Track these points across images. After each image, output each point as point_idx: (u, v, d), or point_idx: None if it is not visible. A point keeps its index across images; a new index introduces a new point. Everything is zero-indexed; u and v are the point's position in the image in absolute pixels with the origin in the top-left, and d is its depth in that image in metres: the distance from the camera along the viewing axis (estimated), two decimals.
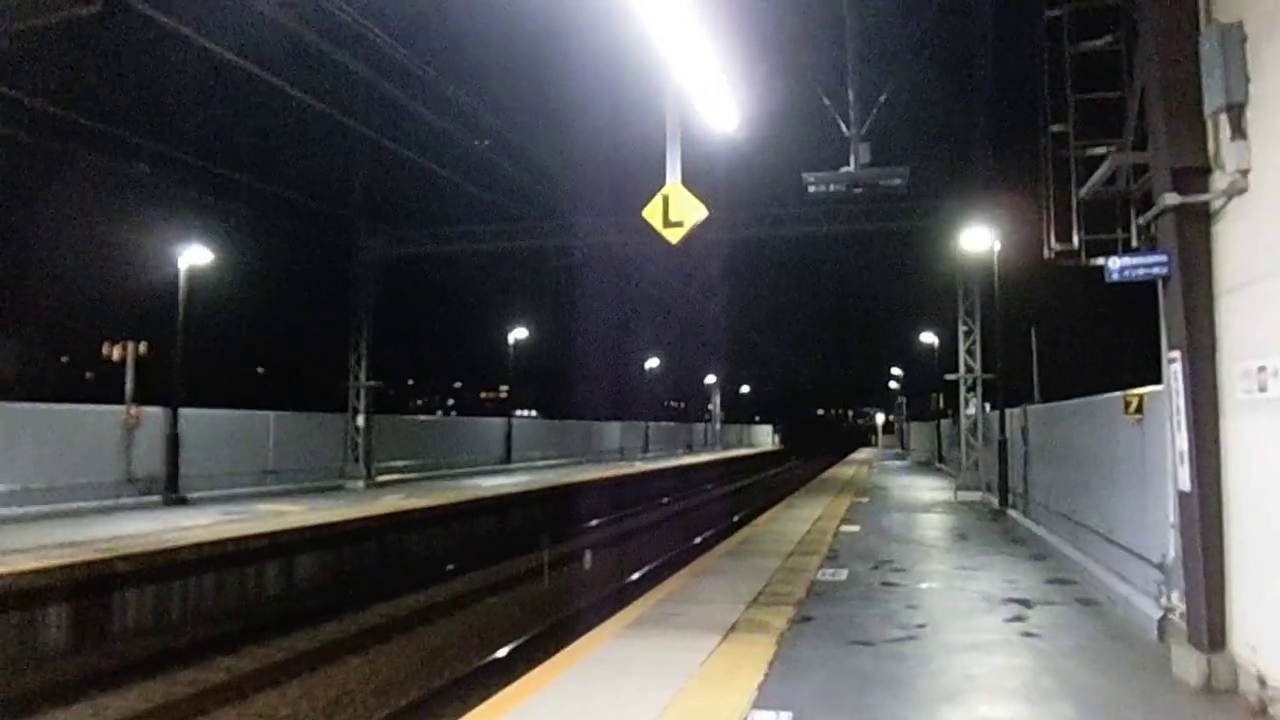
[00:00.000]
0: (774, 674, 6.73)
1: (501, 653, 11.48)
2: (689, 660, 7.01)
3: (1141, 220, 7.41)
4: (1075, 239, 8.62)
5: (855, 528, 16.17)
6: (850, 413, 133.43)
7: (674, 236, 7.34)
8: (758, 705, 5.97)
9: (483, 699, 6.46)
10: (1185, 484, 6.67)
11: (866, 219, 21.94)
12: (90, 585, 11.68)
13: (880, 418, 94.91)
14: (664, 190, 7.38)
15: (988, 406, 23.14)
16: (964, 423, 23.48)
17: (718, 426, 70.73)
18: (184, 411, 19.20)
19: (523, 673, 7.20)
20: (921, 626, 8.41)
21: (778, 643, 7.64)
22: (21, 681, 10.16)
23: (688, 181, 7.75)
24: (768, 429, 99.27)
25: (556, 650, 7.65)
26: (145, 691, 10.05)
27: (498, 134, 18.48)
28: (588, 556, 17.88)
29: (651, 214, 7.37)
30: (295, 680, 10.57)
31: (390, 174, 23.49)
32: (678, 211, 7.28)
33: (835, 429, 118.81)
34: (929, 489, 25.91)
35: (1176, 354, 6.71)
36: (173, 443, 18.70)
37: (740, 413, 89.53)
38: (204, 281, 21.94)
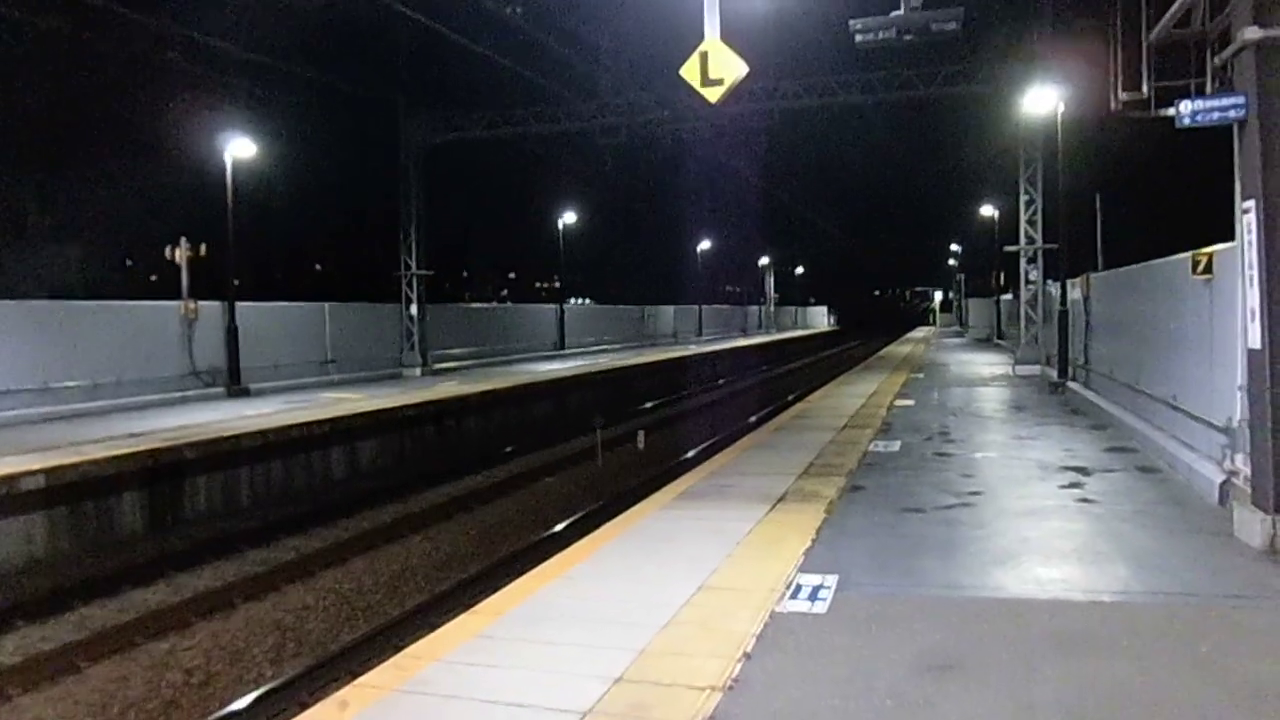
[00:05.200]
0: (821, 540, 6.72)
1: (558, 527, 11.71)
2: (736, 528, 7.03)
3: (1218, 60, 6.89)
4: (1144, 87, 8.09)
5: (909, 402, 16.01)
6: (907, 292, 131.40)
7: (714, 95, 7.00)
8: (804, 569, 5.97)
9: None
10: (1255, 341, 6.37)
11: (921, 84, 20.95)
12: (161, 472, 12.09)
13: (938, 296, 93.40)
14: (702, 46, 7.01)
15: (1049, 283, 22.46)
16: (1024, 295, 22.86)
17: (772, 309, 70.20)
18: (241, 305, 19.48)
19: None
20: (975, 494, 8.32)
21: (827, 511, 7.62)
22: (103, 563, 10.64)
23: (728, 40, 7.37)
24: (823, 310, 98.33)
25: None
26: (218, 570, 10.47)
27: (530, 2, 17.79)
28: (641, 437, 18.04)
29: (689, 72, 7.02)
30: (360, 557, 10.92)
31: (431, 55, 22.98)
32: (717, 68, 6.92)
33: (892, 309, 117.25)
34: (986, 364, 25.55)
35: (1251, 203, 6.32)
36: (232, 335, 19.05)
37: (795, 294, 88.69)
38: (259, 181, 21.98)
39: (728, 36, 7.46)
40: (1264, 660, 4.46)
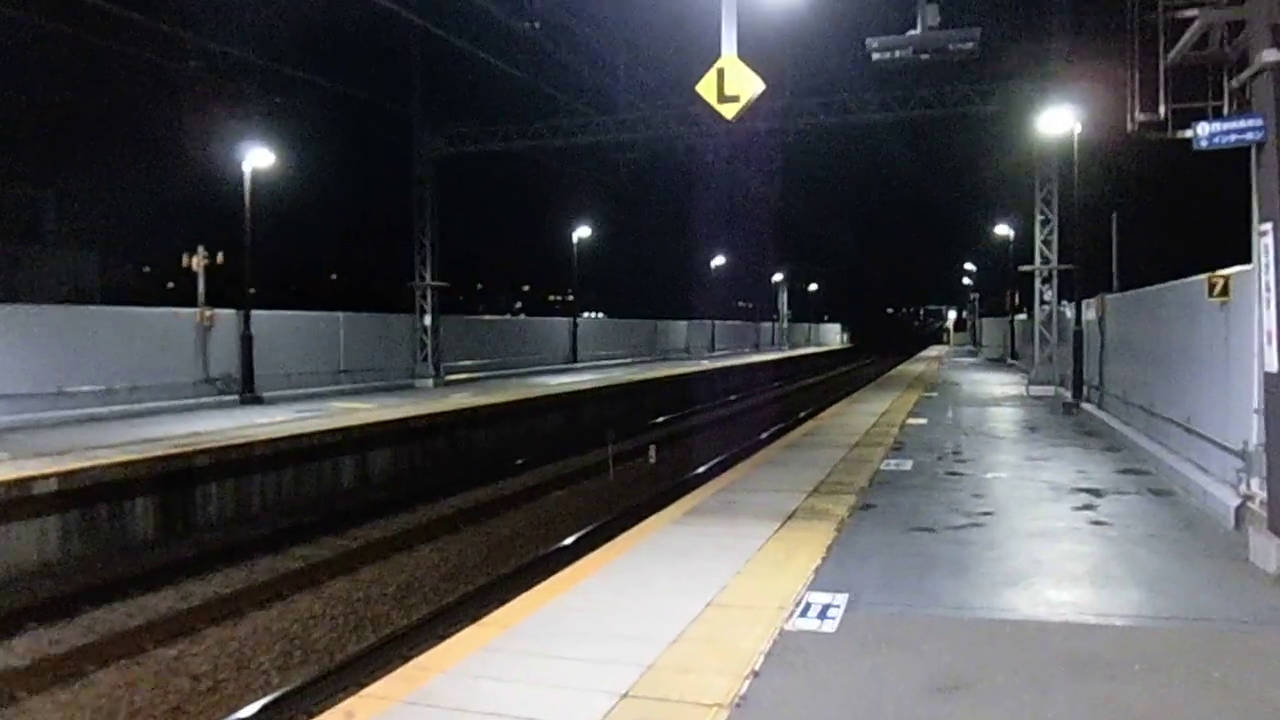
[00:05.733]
0: (832, 558, 6.68)
1: (567, 541, 11.69)
2: (746, 545, 7.00)
3: (1236, 83, 6.88)
4: (1161, 109, 8.06)
5: (922, 421, 15.95)
6: (921, 311, 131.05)
7: (730, 112, 7.02)
8: (814, 587, 5.94)
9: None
10: (1272, 364, 6.33)
11: (938, 104, 20.97)
12: (173, 478, 12.14)
13: (952, 315, 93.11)
14: (718, 63, 7.03)
15: (1064, 303, 22.37)
16: (1038, 315, 22.78)
17: (784, 325, 70.13)
18: (256, 313, 19.59)
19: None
20: (987, 514, 8.27)
21: (837, 529, 7.59)
22: (114, 568, 10.68)
23: (745, 58, 7.39)
24: (836, 328, 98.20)
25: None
26: (228, 577, 10.49)
27: (548, 17, 17.90)
28: (652, 451, 18.03)
29: (706, 89, 7.04)
30: (368, 567, 10.91)
31: (447, 67, 23.15)
32: (733, 85, 6.94)
33: (905, 327, 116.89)
34: (1000, 384, 25.43)
35: (1268, 226, 6.29)
36: (246, 343, 19.15)
37: (808, 311, 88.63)
38: (276, 190, 22.12)
39: (744, 53, 7.49)
40: (1278, 686, 4.40)
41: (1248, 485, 7.21)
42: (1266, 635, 5.14)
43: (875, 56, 8.81)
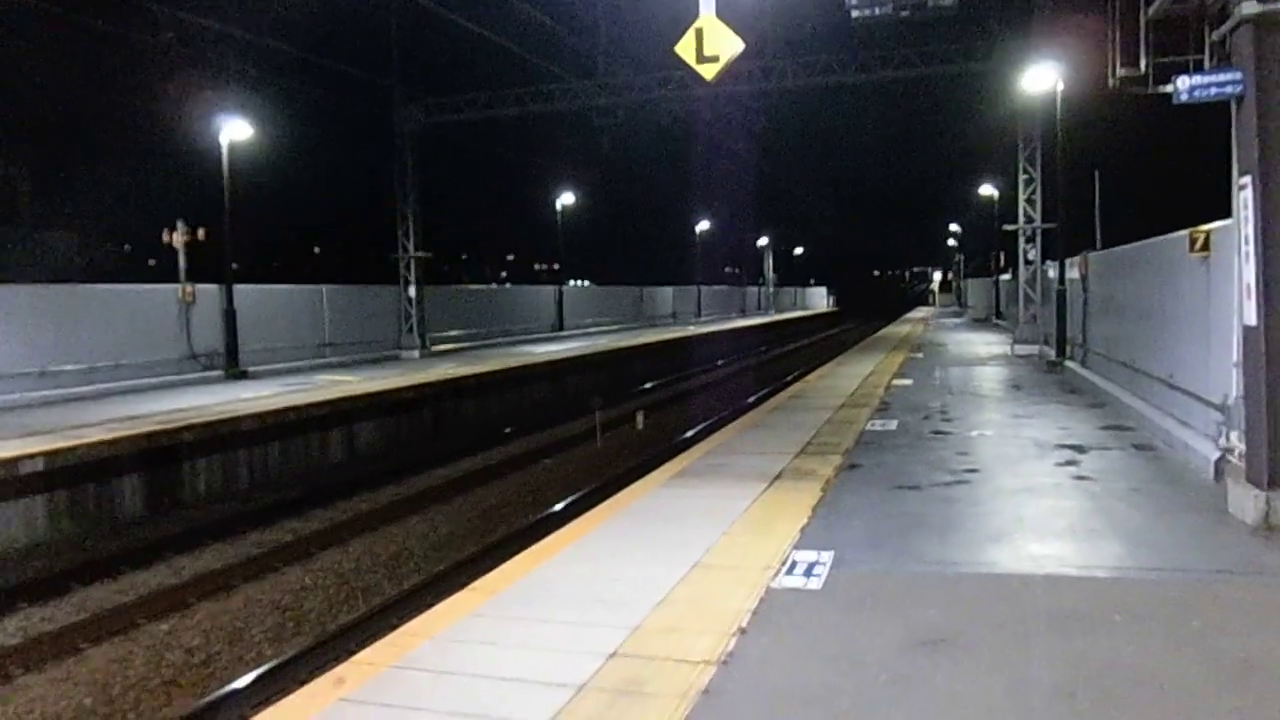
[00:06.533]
0: (818, 518, 6.74)
1: (556, 508, 11.74)
2: (733, 506, 7.05)
3: (1216, 36, 6.85)
4: (1143, 64, 8.05)
5: (907, 381, 16.02)
6: (906, 273, 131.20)
7: (709, 72, 6.97)
8: (800, 546, 6.00)
9: None
10: (1251, 318, 6.37)
11: (921, 63, 20.84)
12: (159, 455, 12.11)
13: (937, 276, 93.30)
14: (697, 23, 6.97)
15: (1048, 262, 22.42)
16: (1022, 275, 22.83)
17: (770, 290, 70.07)
18: (239, 287, 19.45)
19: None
20: (971, 472, 8.34)
21: (823, 489, 7.64)
22: (103, 545, 10.68)
23: (723, 17, 7.32)
24: (822, 291, 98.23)
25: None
26: (217, 552, 10.50)
27: None
28: (640, 418, 18.07)
29: (684, 49, 6.98)
30: (358, 538, 10.95)
31: (425, 34, 22.88)
32: (712, 45, 6.88)
33: (891, 289, 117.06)
34: (985, 344, 25.55)
35: (1247, 179, 6.30)
36: (230, 318, 19.03)
37: (794, 275, 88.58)
38: (257, 165, 21.86)
39: (723, 13, 7.43)
40: (1253, 636, 4.48)
41: (1227, 438, 7.28)
42: (1243, 586, 5.22)
43: (855, 14, 8.75)
